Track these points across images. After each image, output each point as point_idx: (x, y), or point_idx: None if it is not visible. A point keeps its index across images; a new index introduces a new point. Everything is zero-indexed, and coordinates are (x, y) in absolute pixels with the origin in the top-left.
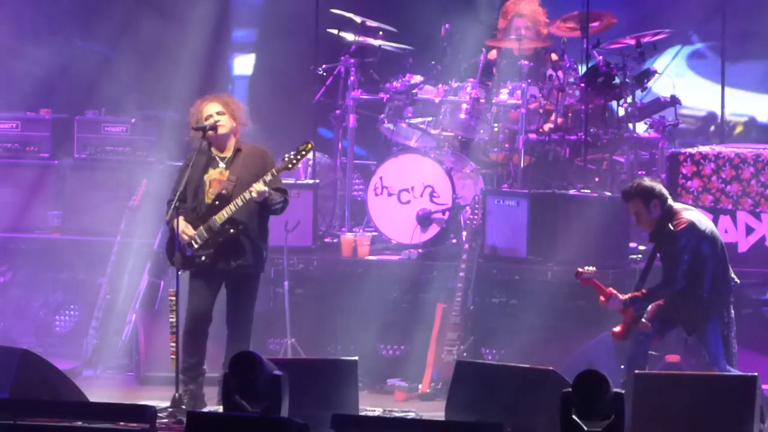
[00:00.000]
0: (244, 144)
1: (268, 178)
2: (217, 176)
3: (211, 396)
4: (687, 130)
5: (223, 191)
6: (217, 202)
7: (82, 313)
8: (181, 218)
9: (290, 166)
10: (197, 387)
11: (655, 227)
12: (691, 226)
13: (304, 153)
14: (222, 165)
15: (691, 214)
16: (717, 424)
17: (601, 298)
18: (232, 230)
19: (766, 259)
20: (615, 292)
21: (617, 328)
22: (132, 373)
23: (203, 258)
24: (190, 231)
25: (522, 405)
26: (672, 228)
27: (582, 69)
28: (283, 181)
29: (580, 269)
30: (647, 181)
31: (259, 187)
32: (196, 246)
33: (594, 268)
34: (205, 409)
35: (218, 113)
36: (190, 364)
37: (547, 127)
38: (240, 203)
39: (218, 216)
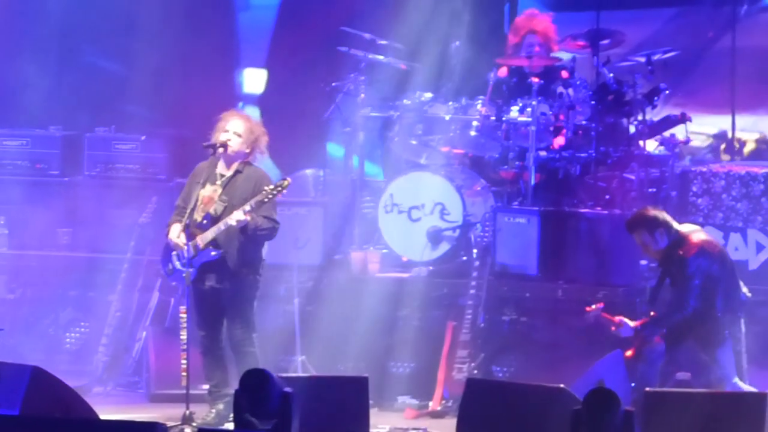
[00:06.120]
0: (248, 166)
1: (247, 208)
2: (209, 193)
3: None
4: (697, 148)
5: (212, 212)
6: (205, 222)
7: (92, 330)
8: (178, 225)
9: (266, 200)
10: (225, 407)
11: (664, 254)
12: (701, 251)
13: (280, 189)
14: (219, 183)
15: (699, 236)
16: None
17: (612, 327)
18: (213, 253)
19: None
20: (625, 320)
21: (629, 352)
22: (142, 390)
23: (184, 274)
24: (182, 242)
25: (532, 423)
26: (682, 254)
27: (592, 86)
28: (294, 198)
29: (587, 308)
30: (650, 210)
31: (238, 215)
32: (183, 261)
33: (601, 305)
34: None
35: (236, 134)
36: (210, 385)
37: (557, 143)
38: (222, 227)
39: (202, 237)
